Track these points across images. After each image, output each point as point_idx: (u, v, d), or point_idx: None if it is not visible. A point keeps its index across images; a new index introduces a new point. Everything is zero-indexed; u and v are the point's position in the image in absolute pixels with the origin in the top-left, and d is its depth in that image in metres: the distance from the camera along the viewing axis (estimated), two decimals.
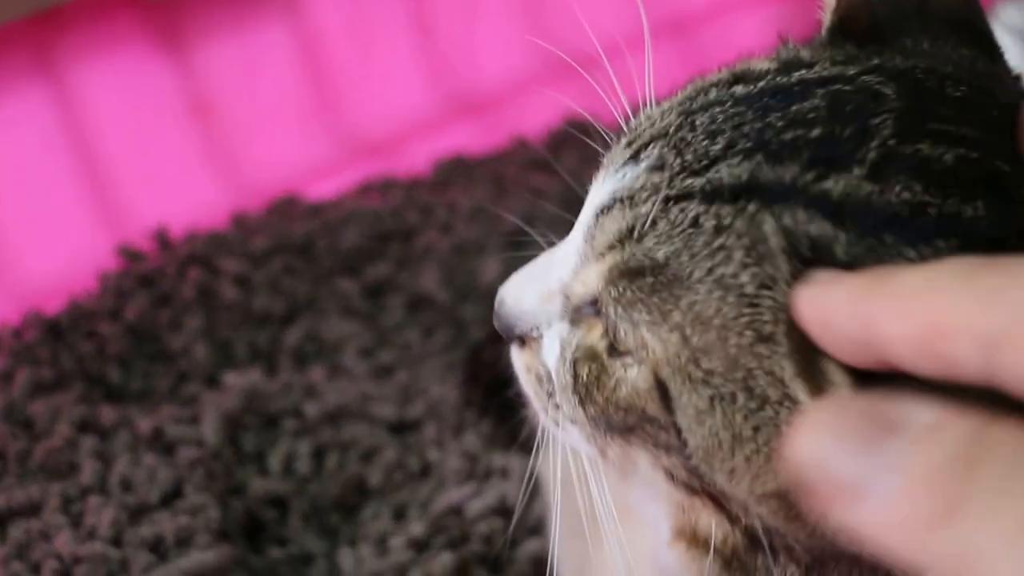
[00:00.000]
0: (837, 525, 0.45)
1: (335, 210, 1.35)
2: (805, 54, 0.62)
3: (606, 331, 0.61)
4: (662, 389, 0.58)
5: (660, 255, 0.57)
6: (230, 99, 1.37)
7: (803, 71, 0.60)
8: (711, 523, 0.62)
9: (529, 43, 1.47)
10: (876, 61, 0.60)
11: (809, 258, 0.53)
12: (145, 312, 1.22)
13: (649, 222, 0.57)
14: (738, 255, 0.55)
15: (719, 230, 0.55)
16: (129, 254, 1.30)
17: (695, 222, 0.56)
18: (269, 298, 1.24)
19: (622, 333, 0.59)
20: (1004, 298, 0.42)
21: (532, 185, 1.35)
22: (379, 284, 1.26)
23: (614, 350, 0.60)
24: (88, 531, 0.98)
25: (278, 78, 1.40)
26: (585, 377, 0.62)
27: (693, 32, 1.55)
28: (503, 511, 0.99)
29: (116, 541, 0.98)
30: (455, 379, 1.15)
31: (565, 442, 0.67)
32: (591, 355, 0.62)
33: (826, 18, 0.64)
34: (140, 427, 1.08)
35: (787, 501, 0.56)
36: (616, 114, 0.67)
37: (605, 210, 0.60)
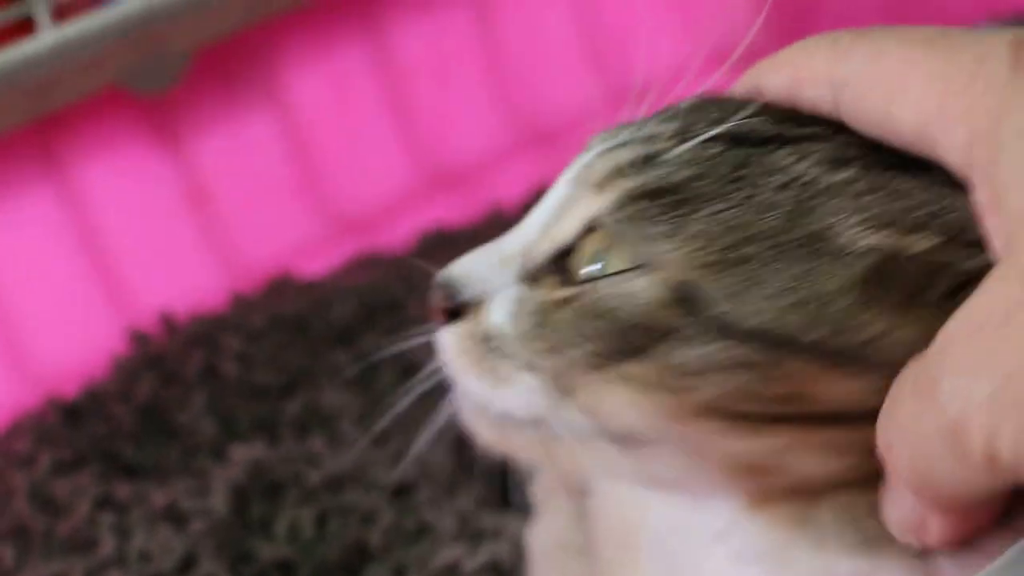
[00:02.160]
0: None
1: (327, 287, 1.42)
2: None
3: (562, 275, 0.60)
4: (685, 294, 0.56)
5: (680, 178, 0.57)
6: (225, 186, 1.44)
7: None
8: (826, 459, 0.56)
9: (502, 116, 1.55)
10: None
11: (835, 159, 0.57)
12: (154, 392, 1.28)
13: (666, 153, 0.59)
14: (759, 180, 0.57)
15: (743, 164, 0.58)
16: (137, 337, 1.36)
17: (719, 156, 0.58)
18: (268, 373, 1.30)
19: (633, 250, 0.57)
20: (852, 55, 0.54)
21: None
22: (371, 354, 1.30)
23: (595, 278, 0.58)
24: None
25: (268, 164, 1.46)
26: (566, 319, 0.59)
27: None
28: (497, 570, 1.04)
29: None
30: (447, 444, 1.20)
31: (498, 403, 0.62)
32: (561, 302, 0.59)
33: None
34: (155, 501, 1.14)
35: None
36: None
37: (608, 151, 0.61)
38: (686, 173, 0.57)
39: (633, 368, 0.56)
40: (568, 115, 1.55)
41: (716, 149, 0.58)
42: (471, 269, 0.65)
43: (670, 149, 0.59)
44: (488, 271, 0.64)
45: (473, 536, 1.09)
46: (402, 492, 1.16)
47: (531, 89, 1.55)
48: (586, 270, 0.59)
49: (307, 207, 1.48)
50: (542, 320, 0.59)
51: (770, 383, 0.54)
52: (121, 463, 1.21)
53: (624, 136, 0.61)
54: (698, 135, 0.59)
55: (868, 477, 0.54)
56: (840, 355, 0.54)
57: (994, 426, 0.44)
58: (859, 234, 0.55)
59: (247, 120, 1.45)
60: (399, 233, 1.49)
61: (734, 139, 0.58)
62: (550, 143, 1.55)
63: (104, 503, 1.15)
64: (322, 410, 1.27)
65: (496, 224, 1.48)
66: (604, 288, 0.57)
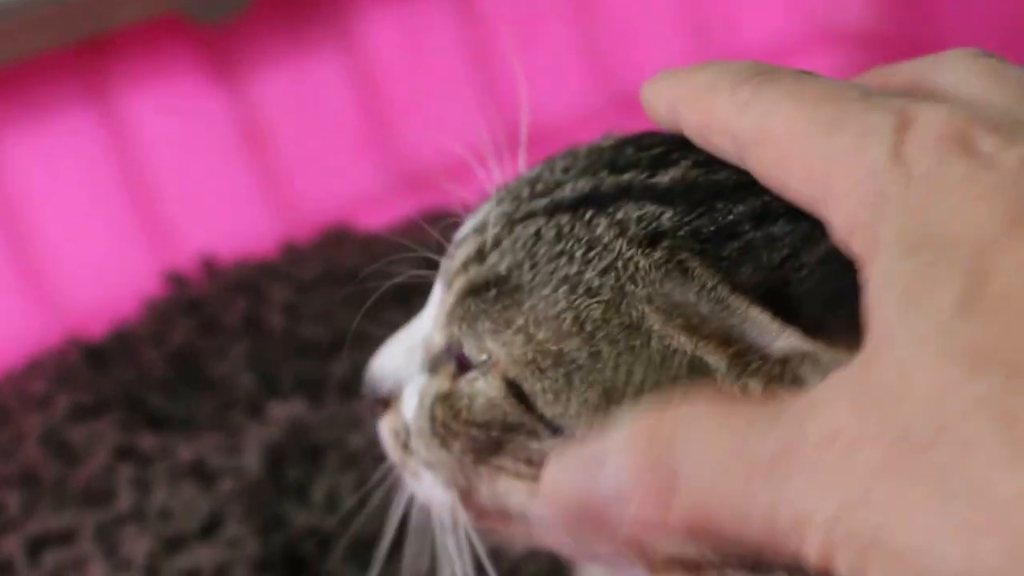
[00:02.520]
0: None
1: (386, 242, 1.34)
2: None
3: (456, 364, 0.62)
4: (515, 389, 0.58)
5: (503, 269, 0.60)
6: (283, 128, 1.37)
7: None
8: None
9: (586, 76, 1.47)
10: None
11: (646, 236, 0.57)
12: (189, 339, 1.21)
13: (493, 242, 0.61)
14: (578, 255, 0.58)
15: (559, 237, 0.59)
16: (175, 280, 1.29)
17: (537, 235, 0.59)
18: (316, 328, 1.23)
19: (470, 348, 0.60)
20: (749, 110, 0.51)
21: None
22: None
23: (462, 372, 0.61)
24: (123, 561, 0.97)
25: (331, 108, 1.40)
26: (441, 415, 0.62)
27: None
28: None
29: (152, 572, 0.97)
30: None
31: (420, 495, 0.67)
32: (444, 395, 0.62)
33: None
34: (180, 456, 1.07)
35: None
36: None
37: (460, 244, 0.64)
38: (508, 262, 0.60)
39: (500, 461, 0.60)
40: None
41: (535, 227, 0.60)
42: (387, 361, 0.68)
43: (496, 238, 0.61)
44: (401, 361, 0.67)
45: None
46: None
47: (624, 53, 1.49)
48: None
49: (371, 157, 1.41)
50: (433, 416, 0.63)
51: None
52: (147, 412, 1.14)
53: (470, 225, 0.64)
54: (522, 215, 0.61)
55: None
56: None
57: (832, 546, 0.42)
58: (666, 332, 0.56)
59: (312, 60, 1.38)
60: (466, 191, 1.41)
61: (551, 209, 0.60)
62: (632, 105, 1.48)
63: (125, 454, 1.08)
64: None
65: None
66: (462, 386, 0.61)
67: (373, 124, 1.41)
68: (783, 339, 0.53)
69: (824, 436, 0.42)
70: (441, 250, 1.30)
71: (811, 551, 0.42)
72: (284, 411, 1.12)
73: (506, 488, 0.62)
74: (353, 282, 1.25)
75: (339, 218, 1.39)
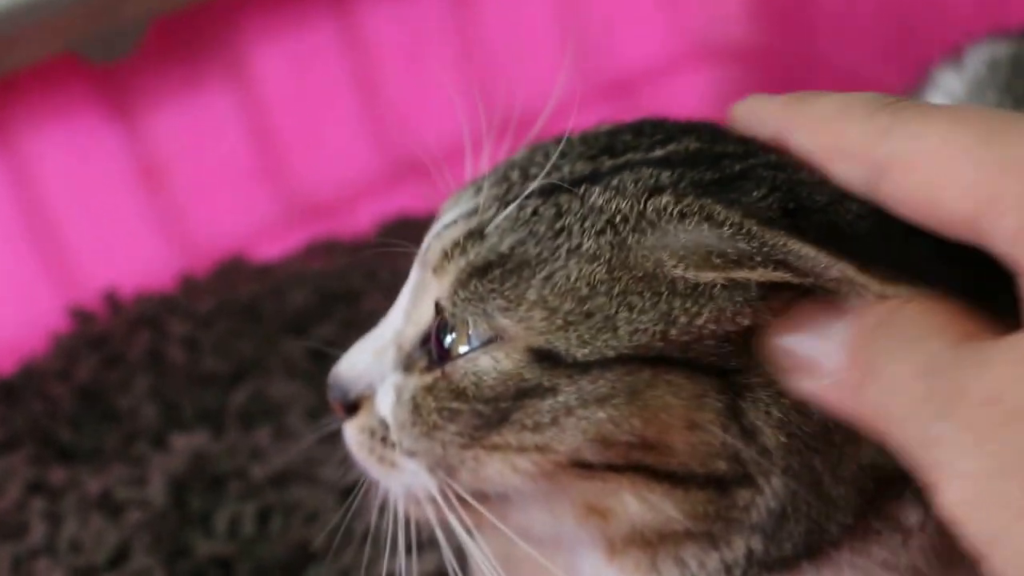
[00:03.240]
0: (801, 395, 0.55)
1: (281, 272, 1.38)
2: None
3: (436, 349, 0.62)
4: (541, 354, 0.58)
5: (504, 247, 0.59)
6: (179, 163, 1.39)
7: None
8: (647, 503, 0.60)
9: (473, 102, 1.51)
10: None
11: (648, 190, 0.58)
12: (95, 373, 1.23)
13: (490, 223, 0.60)
14: (577, 227, 0.58)
15: (558, 215, 0.59)
16: (79, 315, 1.31)
17: (535, 213, 0.60)
18: (216, 359, 1.26)
19: (477, 328, 0.60)
20: (893, 133, 0.52)
21: None
22: (325, 345, 1.28)
23: (450, 358, 0.61)
24: None
25: (226, 142, 1.42)
26: (434, 403, 0.61)
27: (636, 94, 1.59)
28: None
29: None
30: None
31: (396, 487, 0.66)
32: (430, 386, 0.61)
33: None
34: (89, 488, 1.09)
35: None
36: None
37: (442, 231, 0.63)
38: (510, 241, 0.60)
39: (498, 439, 0.59)
40: (541, 102, 1.51)
41: (532, 206, 0.60)
42: (355, 364, 0.67)
43: (492, 219, 0.61)
44: (371, 363, 0.66)
45: (422, 542, 1.05)
46: (349, 492, 1.12)
47: (504, 75, 1.51)
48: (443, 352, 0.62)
49: (264, 188, 1.44)
50: (416, 406, 0.62)
51: (632, 423, 0.57)
52: (56, 446, 1.17)
53: (454, 212, 0.64)
54: (516, 197, 0.61)
55: (696, 534, 0.60)
56: (723, 374, 0.57)
57: None
58: (689, 274, 0.56)
59: (205, 95, 1.40)
60: (359, 219, 1.46)
61: (549, 189, 0.60)
62: (522, 130, 1.50)
63: (36, 487, 1.11)
64: (270, 401, 1.22)
65: None
66: (460, 368, 0.60)
67: (265, 155, 1.44)
68: (835, 270, 0.53)
69: (987, 396, 0.46)
70: (331, 279, 1.34)
71: (943, 503, 0.47)
72: (187, 442, 1.15)
73: (495, 467, 0.60)
74: (249, 314, 1.30)
75: (235, 249, 1.42)
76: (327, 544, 1.05)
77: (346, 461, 1.13)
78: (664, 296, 0.57)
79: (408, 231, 1.41)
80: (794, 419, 0.57)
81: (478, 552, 0.65)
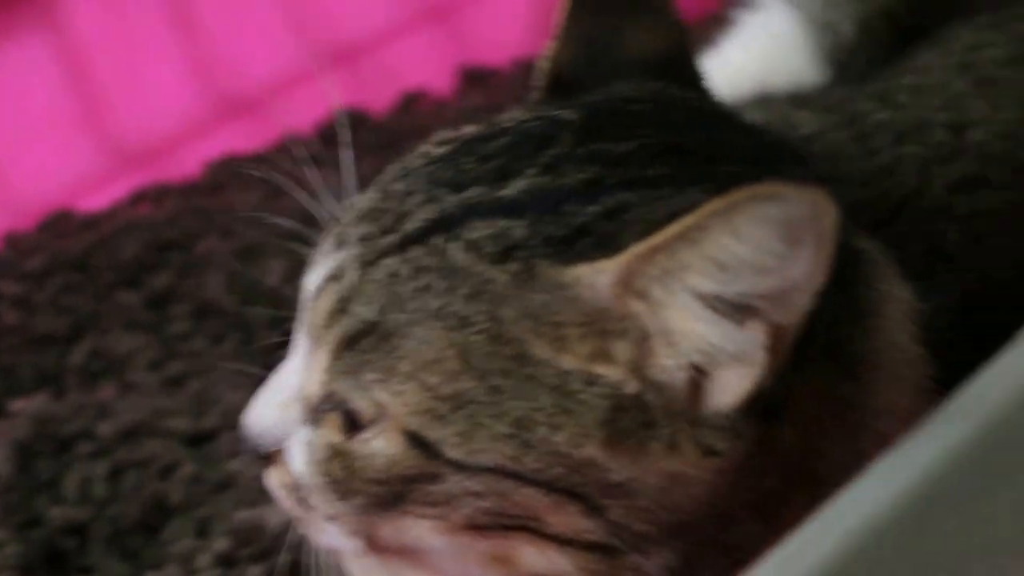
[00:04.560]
0: None
1: (110, 222, 1.34)
2: (514, 113, 0.69)
3: (344, 417, 0.63)
4: (418, 441, 0.61)
5: (371, 315, 0.61)
6: None
7: (505, 123, 0.67)
8: (543, 555, 0.63)
9: (294, 38, 1.48)
10: (566, 102, 0.68)
11: (499, 252, 0.60)
12: None
13: (354, 289, 0.61)
14: (440, 286, 0.60)
15: (416, 272, 0.60)
16: None
17: (395, 274, 0.61)
18: (51, 318, 1.22)
19: (359, 403, 0.61)
20: None
21: (307, 182, 1.35)
22: (162, 294, 1.26)
23: (354, 432, 0.62)
24: None
25: (40, 91, 1.38)
26: (338, 472, 0.63)
27: (457, 16, 1.57)
28: None
29: None
30: (249, 385, 1.15)
31: (326, 546, 0.68)
32: (336, 451, 0.63)
33: (539, 81, 0.72)
34: None
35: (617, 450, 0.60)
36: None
37: (317, 295, 0.63)
38: (375, 307, 0.61)
39: (402, 510, 0.63)
40: (369, 32, 1.50)
41: (392, 267, 0.61)
42: (264, 417, 0.67)
43: (355, 283, 0.62)
44: (278, 417, 0.66)
45: None
46: (202, 441, 1.10)
47: (324, 5, 1.49)
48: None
49: (86, 137, 1.40)
50: (328, 468, 0.64)
51: (509, 506, 0.61)
52: None
53: (322, 269, 0.64)
54: (374, 254, 0.62)
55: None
56: (574, 494, 0.61)
57: None
58: (548, 354, 0.59)
59: (15, 41, 1.37)
60: (186, 162, 1.42)
61: (402, 243, 0.61)
62: (349, 64, 1.49)
63: None
64: (111, 356, 1.19)
65: (286, 152, 1.44)
66: (356, 449, 0.62)
67: (84, 103, 1.40)
68: (606, 274, 0.58)
69: None
70: (164, 226, 1.32)
71: None
72: (27, 406, 1.12)
73: (410, 529, 0.64)
74: (81, 268, 1.27)
75: (61, 202, 1.38)
76: (184, 497, 1.04)
77: (196, 408, 1.12)
78: (530, 387, 0.60)
79: (235, 171, 1.40)
80: (662, 513, 0.62)
81: None
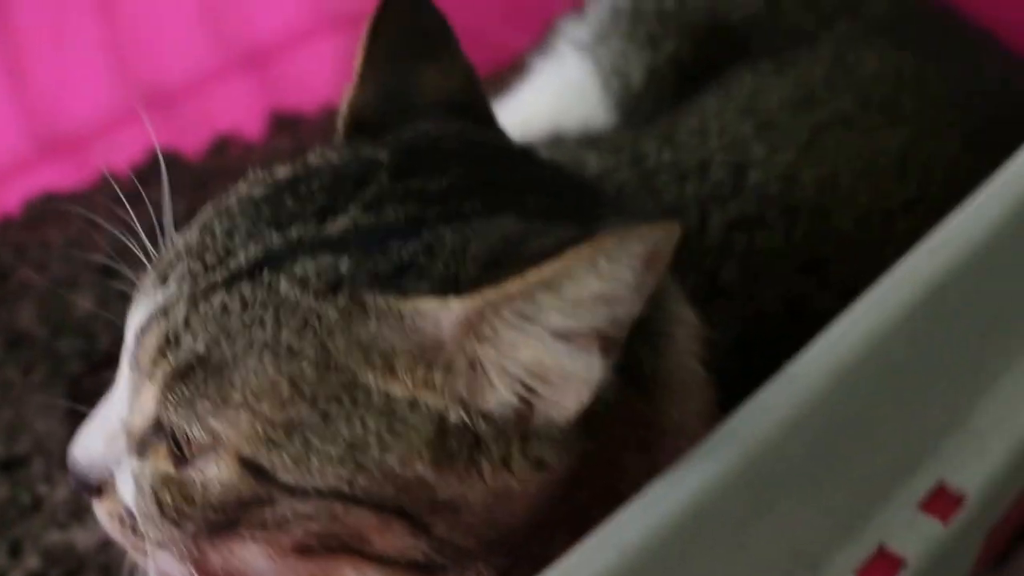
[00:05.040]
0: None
1: None
2: (324, 153, 0.71)
3: (171, 446, 0.64)
4: (252, 467, 0.62)
5: (201, 348, 0.62)
6: None
7: (318, 163, 0.69)
8: None
9: (115, 78, 1.50)
10: (376, 142, 0.70)
11: (326, 287, 0.62)
12: None
13: (183, 324, 0.63)
14: (269, 319, 0.62)
15: (245, 306, 0.62)
16: None
17: (224, 308, 0.62)
18: None
19: (193, 433, 0.62)
20: None
21: (122, 219, 1.37)
22: None
23: (184, 460, 0.63)
24: None
25: None
26: (170, 500, 0.64)
27: (268, 64, 1.60)
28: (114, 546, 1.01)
29: None
30: (58, 414, 1.17)
31: (151, 571, 0.69)
32: (167, 479, 0.64)
33: (340, 125, 0.74)
34: None
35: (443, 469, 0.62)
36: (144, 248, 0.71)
37: (144, 331, 0.64)
38: (204, 341, 0.62)
39: (234, 534, 0.64)
40: (184, 76, 1.52)
41: (219, 301, 0.63)
42: (90, 450, 0.68)
43: (182, 319, 0.62)
44: (104, 449, 0.67)
45: (90, 510, 1.06)
46: (14, 466, 1.13)
47: (143, 49, 1.51)
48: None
49: None
50: (156, 500, 0.65)
51: (338, 528, 0.63)
52: None
53: (146, 307, 0.65)
54: (200, 290, 0.63)
55: None
56: (402, 513, 0.63)
57: None
58: (376, 381, 0.61)
59: None
60: (7, 199, 1.43)
61: (229, 279, 0.63)
62: (165, 107, 1.52)
63: None
64: None
65: (107, 190, 1.44)
66: (189, 475, 0.63)
67: None
68: (452, 312, 0.59)
69: None
70: None
71: None
72: None
73: (239, 552, 0.65)
74: None
75: None
76: None
77: (7, 435, 1.13)
78: (359, 411, 0.61)
79: (53, 207, 1.40)
80: (485, 528, 0.65)
81: None
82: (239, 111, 1.56)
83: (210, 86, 1.55)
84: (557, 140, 0.98)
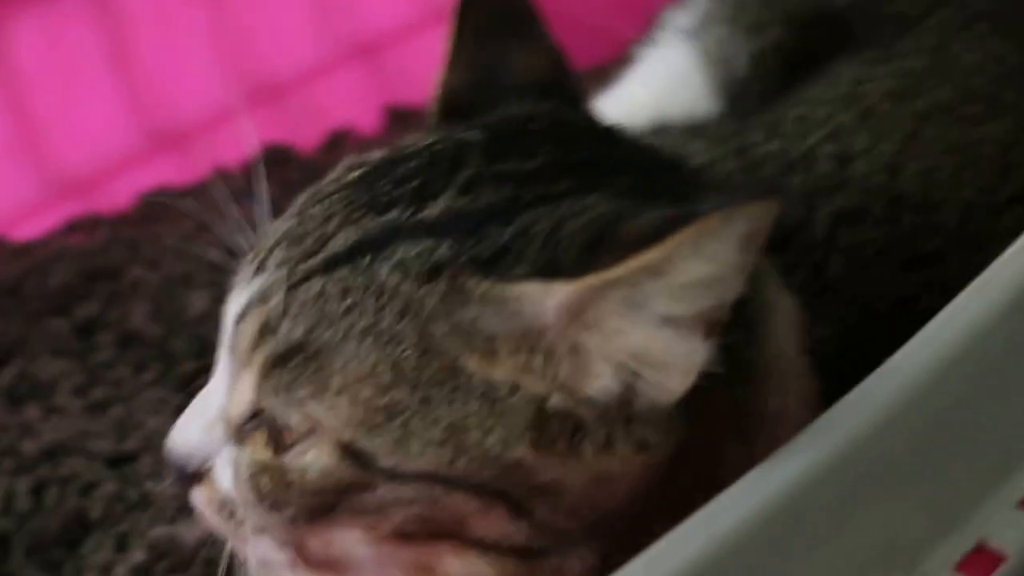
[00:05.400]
0: None
1: (41, 250, 1.37)
2: (418, 137, 0.71)
3: (270, 433, 0.64)
4: (351, 452, 0.62)
5: (299, 334, 0.62)
6: None
7: (412, 147, 0.69)
8: (464, 562, 0.65)
9: (226, 72, 1.51)
10: (469, 124, 0.70)
11: (427, 271, 0.62)
12: None
13: (281, 310, 0.63)
14: (369, 304, 0.62)
15: (344, 292, 0.62)
16: None
17: (322, 294, 0.62)
18: None
19: (291, 419, 0.63)
20: None
21: (234, 216, 1.38)
22: (89, 322, 1.28)
23: (283, 447, 0.64)
24: None
25: None
26: (269, 486, 0.65)
27: (381, 57, 1.61)
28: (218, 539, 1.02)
29: None
30: (169, 411, 1.17)
31: (250, 557, 0.69)
32: (265, 466, 0.65)
33: (433, 109, 0.74)
34: None
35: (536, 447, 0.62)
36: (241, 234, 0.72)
37: (241, 318, 0.65)
38: (303, 327, 0.62)
39: (332, 520, 0.64)
40: (297, 70, 1.52)
41: (318, 286, 0.62)
42: (189, 438, 0.68)
43: (281, 305, 0.62)
44: (202, 437, 0.68)
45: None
46: (124, 462, 1.13)
47: (255, 43, 1.52)
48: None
49: (20, 166, 1.42)
50: (255, 487, 0.65)
51: (437, 512, 0.63)
52: None
53: (245, 294, 0.65)
54: (299, 277, 0.63)
55: None
56: (502, 497, 0.63)
57: None
58: (478, 366, 0.61)
59: None
60: (119, 194, 1.44)
61: (328, 265, 0.63)
62: (277, 101, 1.52)
63: None
64: (37, 380, 1.21)
65: (215, 186, 1.45)
66: (288, 462, 0.63)
67: (19, 131, 1.42)
68: (555, 297, 0.59)
69: None
70: (94, 256, 1.34)
71: None
72: None
73: (339, 538, 0.65)
74: (11, 294, 1.29)
75: None
76: (104, 513, 1.06)
77: (117, 431, 1.14)
78: (461, 395, 0.61)
79: (166, 204, 1.42)
80: (586, 511, 0.64)
81: None
82: (353, 105, 1.56)
83: (323, 80, 1.55)
84: (662, 129, 0.97)
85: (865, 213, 0.84)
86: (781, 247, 0.79)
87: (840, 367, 0.69)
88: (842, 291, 0.81)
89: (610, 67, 1.18)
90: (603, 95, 1.11)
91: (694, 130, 0.95)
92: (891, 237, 0.84)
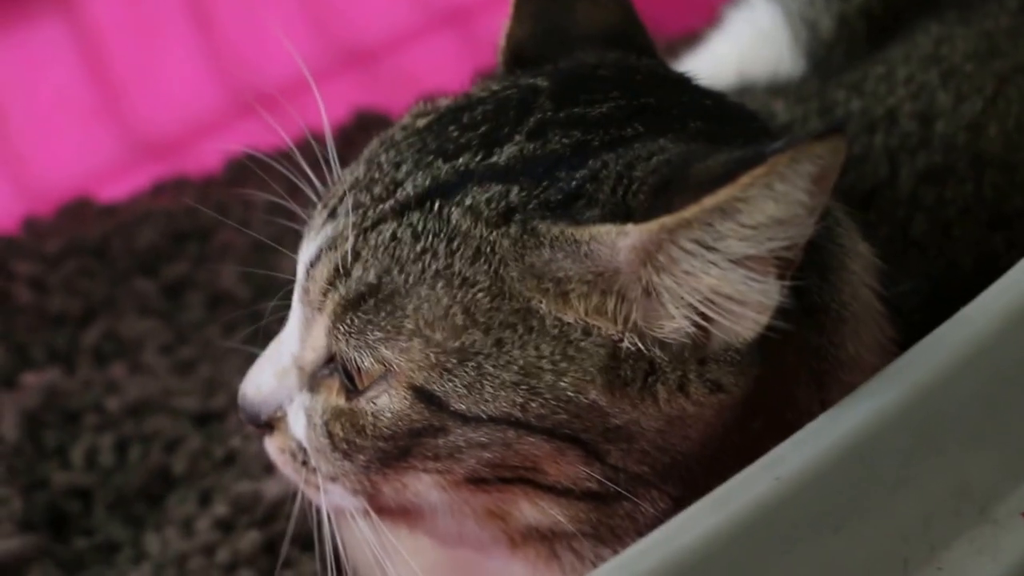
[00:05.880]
0: None
1: (129, 211, 1.36)
2: (486, 83, 0.72)
3: (343, 378, 0.64)
4: (424, 395, 0.62)
5: (372, 278, 0.62)
6: (12, 101, 1.36)
7: (481, 93, 0.69)
8: (538, 508, 0.65)
9: (315, 36, 1.49)
10: (536, 71, 0.70)
11: (499, 215, 0.62)
12: None
13: (353, 255, 0.63)
14: (441, 248, 0.62)
15: (416, 236, 0.62)
16: None
17: (394, 238, 0.62)
18: (65, 299, 1.23)
19: (364, 363, 0.63)
20: None
21: (324, 180, 1.36)
22: (177, 283, 1.27)
23: (356, 392, 0.64)
24: None
25: (59, 77, 1.39)
26: (342, 432, 0.65)
27: (469, 24, 1.59)
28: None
29: None
30: None
31: (324, 505, 0.69)
32: (339, 412, 0.65)
33: (500, 59, 0.74)
34: None
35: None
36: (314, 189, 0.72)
37: (314, 264, 0.65)
38: (375, 270, 0.62)
39: (405, 465, 0.64)
40: (383, 37, 1.51)
41: (390, 230, 0.62)
42: (261, 387, 0.69)
43: (353, 250, 0.62)
44: (276, 386, 0.68)
45: None
46: (209, 420, 1.12)
47: (343, 9, 1.50)
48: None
49: (105, 127, 1.41)
50: (328, 434, 0.65)
51: (511, 456, 0.63)
52: None
53: (317, 241, 0.66)
54: (370, 222, 0.63)
55: (587, 533, 0.66)
56: (575, 440, 0.62)
57: None
58: (549, 308, 0.61)
59: (34, 29, 1.37)
60: (205, 156, 1.43)
61: (399, 209, 0.63)
62: (364, 66, 1.51)
63: None
64: (123, 339, 1.21)
65: (306, 149, 1.44)
66: (361, 406, 0.64)
67: (104, 93, 1.41)
68: (627, 239, 0.59)
69: None
70: (181, 217, 1.33)
71: None
72: (38, 380, 1.13)
73: (412, 484, 0.65)
74: (98, 254, 1.28)
75: (79, 190, 1.39)
76: (188, 469, 1.05)
77: (204, 390, 1.13)
78: (533, 337, 0.61)
79: (254, 166, 1.40)
80: (658, 455, 0.64)
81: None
82: (444, 71, 1.52)
83: (415, 44, 1.54)
84: (746, 88, 0.97)
85: (948, 172, 0.84)
86: (863, 206, 0.78)
87: (923, 320, 0.67)
88: (926, 248, 0.81)
89: (703, 33, 1.17)
90: (691, 55, 1.11)
91: (778, 90, 0.95)
92: (975, 196, 0.83)
